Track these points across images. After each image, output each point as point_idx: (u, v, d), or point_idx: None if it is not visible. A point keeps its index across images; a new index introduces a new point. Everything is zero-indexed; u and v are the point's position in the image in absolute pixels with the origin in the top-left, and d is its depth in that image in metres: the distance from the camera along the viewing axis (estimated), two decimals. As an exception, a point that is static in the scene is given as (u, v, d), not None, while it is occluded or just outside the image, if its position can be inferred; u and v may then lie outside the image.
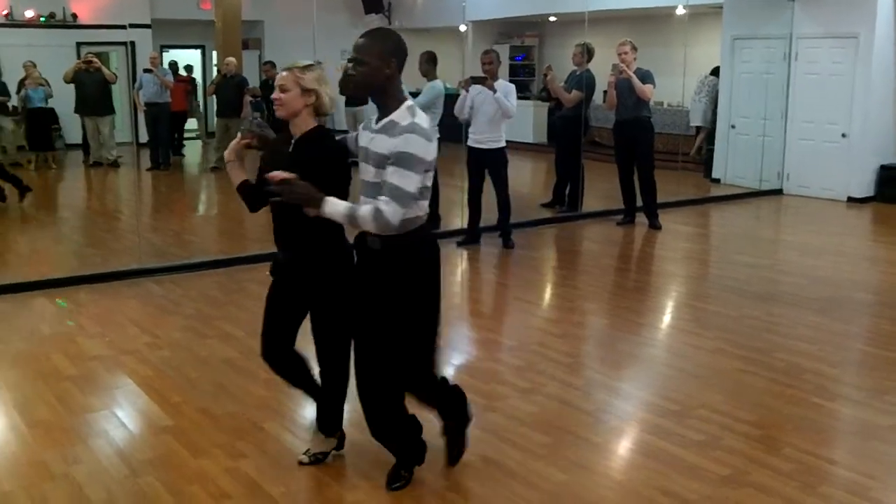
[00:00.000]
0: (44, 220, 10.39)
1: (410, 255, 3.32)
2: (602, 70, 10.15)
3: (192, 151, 17.14)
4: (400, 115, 3.24)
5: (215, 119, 14.47)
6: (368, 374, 3.44)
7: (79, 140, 14.67)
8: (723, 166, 12.61)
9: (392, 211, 3.14)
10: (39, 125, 14.00)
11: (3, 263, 7.74)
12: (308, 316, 3.70)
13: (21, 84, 13.89)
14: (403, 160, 3.14)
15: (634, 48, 8.92)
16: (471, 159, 8.27)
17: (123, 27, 16.54)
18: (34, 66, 13.86)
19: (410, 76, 10.13)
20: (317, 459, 3.89)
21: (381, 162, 3.21)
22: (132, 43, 16.52)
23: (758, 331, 5.92)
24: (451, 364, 5.38)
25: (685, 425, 4.31)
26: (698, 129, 13.63)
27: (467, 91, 8.14)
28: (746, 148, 12.20)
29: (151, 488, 3.66)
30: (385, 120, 3.27)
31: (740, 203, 11.33)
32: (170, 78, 14.66)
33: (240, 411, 4.48)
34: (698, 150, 13.57)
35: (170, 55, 17.56)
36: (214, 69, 17.90)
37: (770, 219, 10.82)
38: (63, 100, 14.09)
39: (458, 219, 9.25)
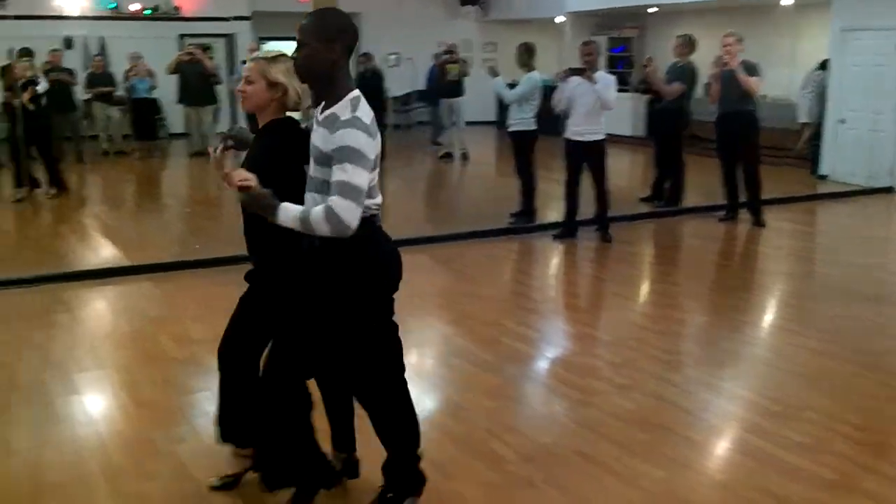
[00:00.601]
0: (149, 208, 10.72)
1: (353, 254, 2.98)
2: (704, 62, 9.93)
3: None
4: (341, 108, 2.90)
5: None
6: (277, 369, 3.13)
7: (181, 130, 15.09)
8: (830, 162, 12.18)
9: (346, 208, 2.78)
10: (144, 115, 14.47)
11: (112, 249, 8.00)
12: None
13: (127, 74, 14.38)
14: (346, 155, 2.81)
15: (740, 40, 8.66)
16: (569, 151, 8.19)
17: (225, 19, 16.98)
18: (140, 57, 14.32)
19: (507, 67, 10.13)
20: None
21: (323, 159, 2.91)
22: (232, 35, 16.96)
23: (867, 332, 5.71)
24: (546, 357, 5.35)
25: (788, 426, 4.18)
26: (804, 125, 13.22)
27: (565, 82, 8.07)
28: (855, 143, 11.75)
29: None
30: (327, 112, 2.94)
31: (848, 201, 10.93)
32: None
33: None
34: (804, 145, 13.16)
35: (268, 47, 17.89)
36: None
37: (880, 217, 10.40)
38: (167, 90, 14.51)
39: (554, 212, 9.18)
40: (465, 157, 14.25)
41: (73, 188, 10.98)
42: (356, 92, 2.96)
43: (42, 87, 10.44)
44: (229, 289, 6.57)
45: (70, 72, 13.52)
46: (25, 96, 10.00)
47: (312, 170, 3.02)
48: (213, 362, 5.00)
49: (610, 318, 6.30)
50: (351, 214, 2.80)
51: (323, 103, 2.98)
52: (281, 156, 3.20)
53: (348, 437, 3.55)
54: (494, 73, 9.02)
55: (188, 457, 3.85)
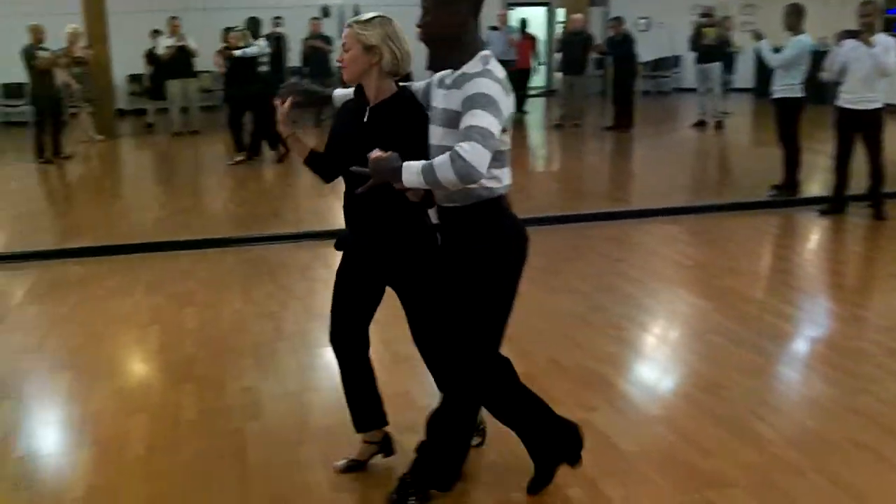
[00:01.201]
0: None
1: (490, 224, 2.88)
2: None
3: (535, 108, 17.44)
4: (471, 66, 2.78)
5: (560, 76, 14.58)
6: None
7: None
8: None
9: (474, 151, 2.55)
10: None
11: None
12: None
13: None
14: (476, 101, 2.64)
15: None
16: (841, 121, 7.62)
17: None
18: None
19: (774, 31, 9.55)
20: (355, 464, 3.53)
21: (453, 120, 2.75)
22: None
23: None
24: (812, 338, 5.02)
25: None
26: None
27: (840, 45, 7.50)
28: None
29: (503, 432, 3.74)
30: (457, 73, 2.81)
31: None
32: (515, 36, 14.96)
33: (589, 365, 4.48)
34: None
35: (516, 13, 17.91)
36: (558, 26, 18.05)
37: None
38: (418, 59, 14.88)
39: (817, 185, 8.60)
40: (719, 125, 13.66)
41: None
42: (486, 51, 2.83)
43: (254, 51, 11.02)
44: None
45: (327, 39, 14.28)
46: (216, 60, 10.91)
47: (439, 138, 2.87)
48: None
49: (884, 300, 5.80)
50: (479, 158, 2.57)
51: (450, 70, 2.86)
52: (404, 135, 2.99)
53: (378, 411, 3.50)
54: (759, 36, 8.55)
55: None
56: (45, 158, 11.50)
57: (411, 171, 2.66)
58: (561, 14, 16.71)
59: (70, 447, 3.78)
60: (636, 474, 3.42)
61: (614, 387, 4.25)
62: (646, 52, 17.06)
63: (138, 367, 4.73)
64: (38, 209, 9.14)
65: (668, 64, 19.33)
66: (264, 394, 4.20)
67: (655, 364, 4.62)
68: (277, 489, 3.35)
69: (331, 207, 8.46)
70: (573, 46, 13.73)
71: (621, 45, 13.64)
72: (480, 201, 2.86)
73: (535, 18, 18.95)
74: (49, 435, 3.67)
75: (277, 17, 14.28)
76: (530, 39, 16.34)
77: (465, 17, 2.81)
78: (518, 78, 15.02)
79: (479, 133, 2.58)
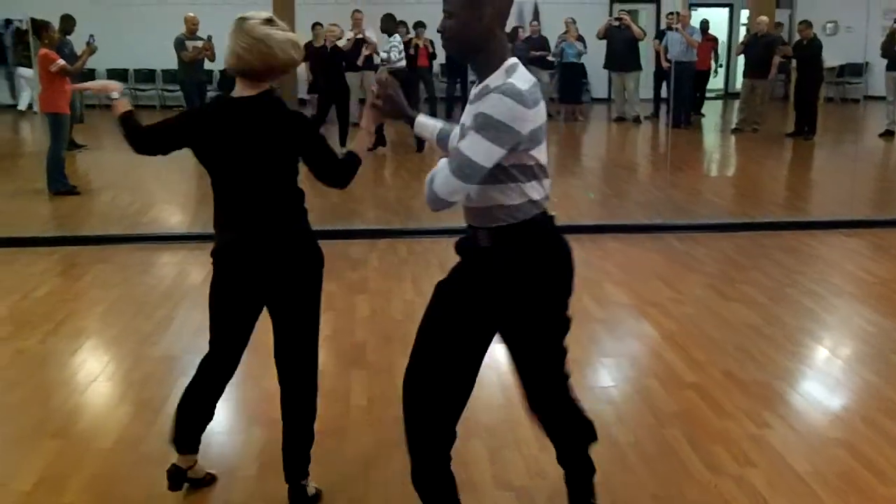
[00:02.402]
0: (572, 169, 11.04)
1: (521, 253, 2.59)
2: None
3: (712, 111, 16.96)
4: (494, 78, 2.52)
5: (740, 79, 14.14)
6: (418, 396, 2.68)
7: (604, 95, 15.33)
8: None
9: (444, 180, 2.42)
10: (571, 79, 14.89)
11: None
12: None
13: (559, 39, 14.87)
14: (478, 123, 2.42)
15: None
16: None
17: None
18: (573, 22, 14.73)
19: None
20: None
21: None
22: (659, 1, 16.80)
23: None
24: None
25: None
26: None
27: None
28: None
29: (675, 440, 3.68)
30: (480, 86, 2.57)
31: None
32: (696, 37, 14.60)
33: (765, 379, 4.32)
34: None
35: (698, 13, 17.43)
36: (741, 28, 17.49)
37: None
38: (590, 55, 14.77)
39: None
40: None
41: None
42: (513, 60, 2.57)
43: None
44: (651, 255, 6.65)
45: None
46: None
47: None
48: (634, 327, 5.08)
49: None
50: (446, 189, 2.42)
51: (477, 79, 2.63)
52: None
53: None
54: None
55: (612, 418, 3.89)
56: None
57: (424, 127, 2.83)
58: (744, 16, 16.16)
59: (244, 425, 3.93)
60: (810, 496, 3.27)
61: (790, 404, 4.09)
62: (832, 57, 16.24)
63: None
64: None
65: (855, 70, 18.37)
66: (431, 385, 4.26)
67: (834, 383, 4.40)
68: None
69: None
70: (757, 49, 13.28)
71: (808, 49, 13.07)
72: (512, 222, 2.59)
73: (717, 19, 18.43)
74: (221, 412, 3.83)
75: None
76: (711, 41, 15.89)
77: (490, 23, 2.54)
78: (697, 79, 14.65)
79: (463, 162, 2.41)
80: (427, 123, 2.86)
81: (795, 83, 13.88)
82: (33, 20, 9.44)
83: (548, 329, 2.74)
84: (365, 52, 12.15)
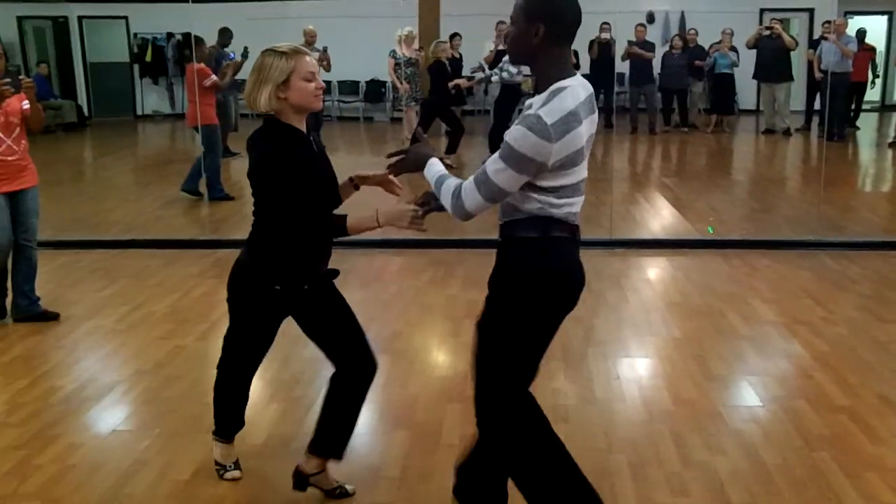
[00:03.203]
0: (718, 182, 10.78)
1: (528, 255, 2.64)
2: None
3: (868, 124, 16.21)
4: (538, 98, 2.54)
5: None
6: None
7: (752, 106, 14.89)
8: None
9: (470, 194, 2.59)
10: (722, 89, 14.56)
11: (680, 220, 8.20)
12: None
13: (710, 49, 14.57)
14: (504, 151, 2.51)
15: None
16: None
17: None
18: (731, 33, 14.41)
19: None
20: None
21: None
22: (812, 9, 16.17)
23: None
24: None
25: None
26: None
27: None
28: None
29: (825, 464, 3.55)
30: (528, 101, 2.61)
31: None
32: (852, 46, 14.00)
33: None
34: None
35: (854, 22, 16.70)
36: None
37: None
38: (743, 65, 14.38)
39: None
40: None
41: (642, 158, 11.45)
42: (560, 83, 2.54)
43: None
44: (801, 273, 6.43)
45: (650, 46, 14.18)
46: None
47: None
48: (782, 346, 4.93)
49: None
50: (472, 204, 2.60)
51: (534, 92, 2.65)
52: None
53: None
54: None
55: (758, 439, 3.80)
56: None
57: (430, 170, 2.77)
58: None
59: (387, 427, 4.02)
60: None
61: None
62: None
63: (452, 357, 4.94)
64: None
65: None
66: (572, 397, 4.26)
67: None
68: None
69: (644, 217, 8.42)
70: (921, 58, 12.63)
71: None
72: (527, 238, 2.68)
73: (875, 28, 17.61)
74: (366, 413, 3.91)
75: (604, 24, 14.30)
76: (868, 51, 15.22)
77: (543, 41, 2.55)
78: (852, 91, 14.05)
79: (486, 182, 2.56)
80: (432, 170, 2.81)
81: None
82: (188, 36, 9.94)
83: (506, 329, 2.73)
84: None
